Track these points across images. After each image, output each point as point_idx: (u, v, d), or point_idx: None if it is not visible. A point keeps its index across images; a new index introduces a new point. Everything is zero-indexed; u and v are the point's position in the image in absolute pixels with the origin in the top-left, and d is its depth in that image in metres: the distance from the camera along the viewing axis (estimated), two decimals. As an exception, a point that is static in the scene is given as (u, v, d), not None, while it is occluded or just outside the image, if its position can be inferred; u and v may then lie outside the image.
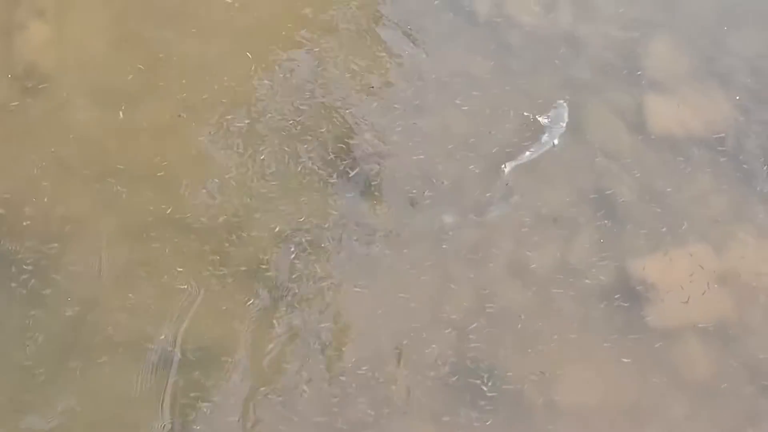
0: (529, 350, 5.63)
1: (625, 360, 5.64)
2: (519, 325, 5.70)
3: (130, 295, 5.65)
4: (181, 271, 5.74)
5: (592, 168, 6.31)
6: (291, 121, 6.37)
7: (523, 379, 5.54)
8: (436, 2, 7.05)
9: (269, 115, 6.39)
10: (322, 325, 5.64)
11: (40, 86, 6.41)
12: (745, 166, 6.36)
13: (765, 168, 6.35)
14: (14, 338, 5.48)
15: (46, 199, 5.95)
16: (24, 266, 5.68)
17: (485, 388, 5.49)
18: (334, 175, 6.18)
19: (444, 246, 5.95)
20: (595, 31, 6.96)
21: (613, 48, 6.88)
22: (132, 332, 5.54)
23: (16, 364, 5.41)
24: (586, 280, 5.87)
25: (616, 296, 5.83)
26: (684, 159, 6.37)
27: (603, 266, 5.93)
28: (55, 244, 5.78)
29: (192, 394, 5.37)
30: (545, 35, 6.93)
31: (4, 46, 6.58)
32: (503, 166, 6.18)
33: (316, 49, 6.74)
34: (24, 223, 5.84)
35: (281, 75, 6.58)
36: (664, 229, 6.08)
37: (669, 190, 6.25)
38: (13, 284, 5.63)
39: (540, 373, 5.56)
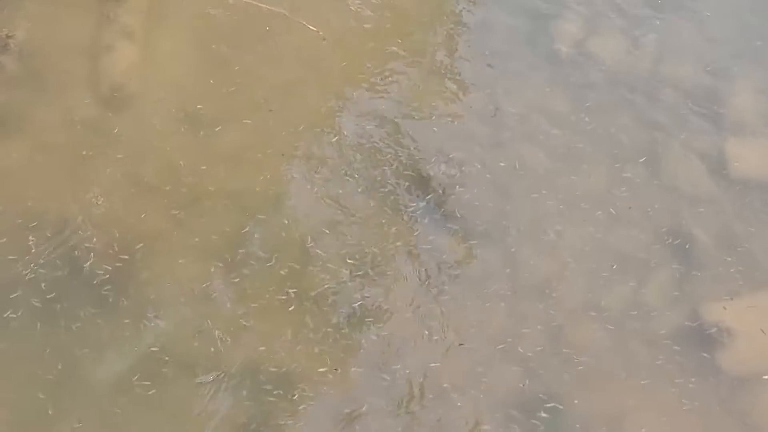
0: (597, 391, 5.53)
1: (694, 405, 5.51)
2: (588, 365, 5.61)
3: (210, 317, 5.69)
4: (251, 294, 5.78)
5: (670, 210, 6.23)
6: (369, 151, 6.42)
7: (588, 420, 5.45)
8: (517, 38, 7.08)
9: (347, 143, 6.46)
10: (388, 357, 5.63)
11: (125, 106, 6.54)
12: (829, 212, 6.24)
13: None
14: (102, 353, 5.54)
15: (125, 216, 6.02)
16: (105, 281, 5.74)
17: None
18: (409, 203, 6.19)
19: (515, 281, 5.91)
20: (677, 73, 6.92)
21: (696, 90, 6.83)
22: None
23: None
24: (659, 322, 5.77)
25: (689, 340, 5.72)
26: (765, 203, 6.25)
27: (677, 309, 5.83)
28: (126, 257, 5.83)
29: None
30: (627, 75, 6.92)
31: (91, 66, 6.74)
32: None
33: (398, 82, 6.83)
34: (102, 238, 5.91)
35: (362, 106, 6.67)
36: (742, 274, 5.97)
37: (748, 234, 6.14)
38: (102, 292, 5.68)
39: (606, 414, 5.46)
